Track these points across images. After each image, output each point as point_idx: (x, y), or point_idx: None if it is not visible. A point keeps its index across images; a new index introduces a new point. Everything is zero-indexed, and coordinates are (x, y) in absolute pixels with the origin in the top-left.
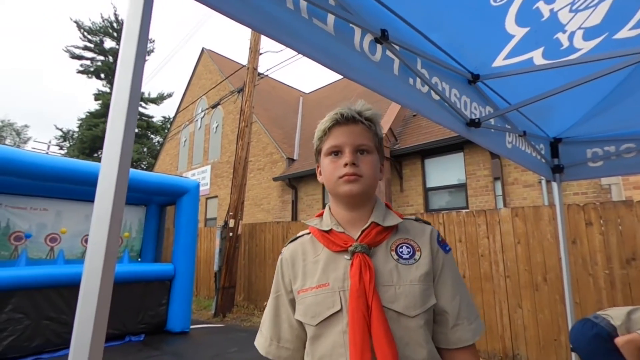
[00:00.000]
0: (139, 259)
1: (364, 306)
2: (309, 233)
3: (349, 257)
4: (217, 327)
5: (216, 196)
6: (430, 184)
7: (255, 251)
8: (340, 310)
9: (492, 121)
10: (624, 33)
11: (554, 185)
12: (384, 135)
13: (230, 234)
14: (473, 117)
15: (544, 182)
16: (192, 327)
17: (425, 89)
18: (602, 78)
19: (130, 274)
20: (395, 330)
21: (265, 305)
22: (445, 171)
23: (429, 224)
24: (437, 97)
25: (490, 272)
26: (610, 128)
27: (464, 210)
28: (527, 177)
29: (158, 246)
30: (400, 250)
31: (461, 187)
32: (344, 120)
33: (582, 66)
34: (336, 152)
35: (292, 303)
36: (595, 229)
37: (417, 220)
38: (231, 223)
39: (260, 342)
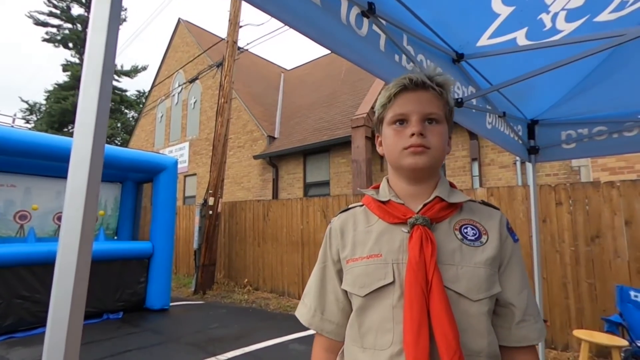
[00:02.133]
0: (115, 237)
1: (423, 281)
2: (361, 205)
3: (407, 230)
4: (197, 304)
5: (195, 174)
6: None
7: (235, 229)
8: (392, 283)
9: (473, 101)
10: (605, 16)
11: (529, 166)
12: (450, 104)
13: (210, 212)
14: (456, 96)
15: (518, 163)
16: (172, 304)
17: (411, 66)
18: (580, 62)
19: (106, 252)
20: (454, 314)
21: (246, 282)
22: None
23: (497, 208)
24: None
25: None
26: (584, 111)
27: None
28: (502, 158)
29: (135, 224)
30: (465, 230)
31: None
32: (412, 85)
33: (563, 48)
34: (402, 120)
35: (339, 274)
36: (565, 208)
37: (484, 203)
38: (211, 201)
39: (303, 313)
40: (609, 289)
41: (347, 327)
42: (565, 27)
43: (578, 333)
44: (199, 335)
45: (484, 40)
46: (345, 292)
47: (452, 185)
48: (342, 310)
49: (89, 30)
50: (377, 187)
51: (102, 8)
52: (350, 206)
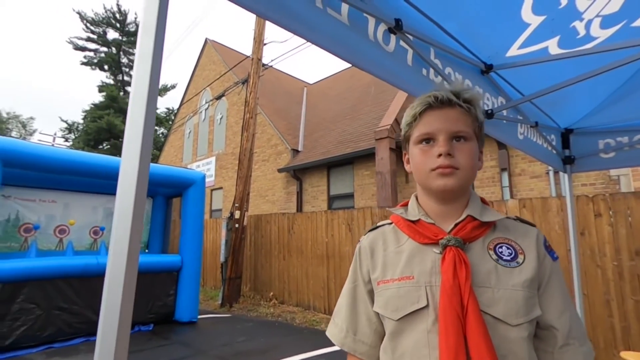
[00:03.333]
0: (147, 251)
1: (458, 305)
2: (390, 223)
3: (439, 251)
4: (225, 317)
5: (221, 187)
6: None
7: (261, 242)
8: (426, 307)
9: (504, 112)
10: None
11: (564, 176)
12: (480, 119)
13: (236, 225)
14: (486, 108)
15: (551, 173)
16: (199, 317)
17: (439, 79)
18: (614, 70)
19: (138, 265)
20: (492, 339)
21: (272, 295)
22: None
23: (534, 225)
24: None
25: None
26: (623, 118)
27: None
28: (534, 168)
29: (165, 238)
30: (500, 250)
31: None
32: (438, 103)
33: (598, 55)
34: (428, 139)
35: (371, 294)
36: (604, 220)
37: (519, 220)
38: (237, 214)
39: (335, 333)
40: None
41: (380, 351)
42: (601, 34)
43: (626, 355)
44: (226, 349)
45: (513, 51)
46: (378, 313)
47: (483, 201)
48: (375, 331)
49: (136, 58)
50: (405, 205)
51: (147, 39)
52: (379, 224)
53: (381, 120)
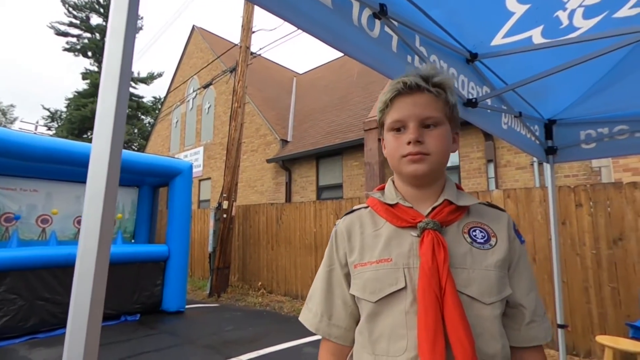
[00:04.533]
0: (133, 241)
1: (437, 286)
2: (366, 207)
3: (417, 234)
4: (212, 307)
5: (209, 178)
6: None
7: (249, 232)
8: (404, 288)
9: (488, 101)
10: (624, 12)
11: (547, 167)
12: (451, 102)
13: (224, 215)
14: (470, 97)
15: (536, 164)
16: (187, 306)
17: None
18: (599, 59)
19: (124, 255)
20: (468, 318)
21: (260, 285)
22: None
23: (504, 210)
24: None
25: None
26: (605, 109)
27: None
28: (519, 159)
29: (152, 227)
30: (474, 233)
31: (454, 169)
32: (407, 89)
33: (581, 46)
34: (399, 127)
35: (347, 278)
36: (585, 210)
37: (490, 205)
38: (225, 205)
39: (309, 318)
40: (633, 293)
41: (356, 332)
42: (583, 24)
43: (601, 339)
44: (214, 338)
45: (498, 40)
46: (353, 296)
47: (458, 187)
48: (351, 315)
49: (107, 38)
50: (382, 189)
51: (119, 17)
52: (354, 208)
53: (370, 111)
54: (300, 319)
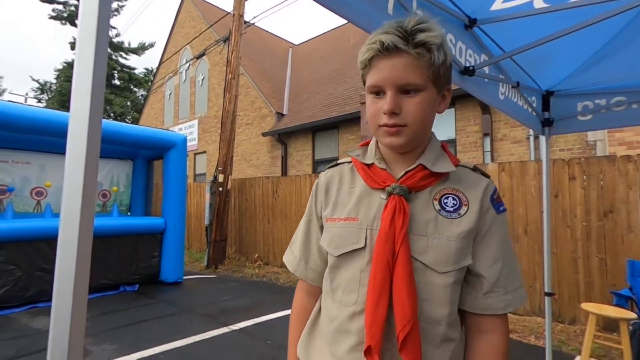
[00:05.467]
0: (129, 213)
1: (390, 252)
2: (350, 162)
3: (385, 197)
4: (210, 278)
5: (205, 151)
6: None
7: (245, 206)
8: (363, 248)
9: (486, 70)
10: None
11: (542, 139)
12: (437, 62)
13: (220, 188)
14: (467, 64)
15: (531, 138)
16: (185, 277)
17: None
18: (598, 28)
19: (120, 227)
20: (418, 283)
21: (257, 257)
22: (436, 128)
23: (487, 176)
24: None
25: None
26: (603, 80)
27: None
28: (515, 133)
29: (147, 201)
30: (445, 201)
31: (450, 143)
32: (384, 51)
33: (584, 11)
34: (377, 91)
35: (322, 229)
36: (578, 183)
37: (474, 169)
38: (220, 178)
39: (290, 260)
40: (620, 263)
41: (323, 278)
42: None
43: (586, 306)
44: (212, 307)
45: (498, 4)
46: None
47: (445, 149)
48: (325, 262)
49: None
50: (366, 144)
51: None
52: (339, 161)
53: None
54: (284, 259)
